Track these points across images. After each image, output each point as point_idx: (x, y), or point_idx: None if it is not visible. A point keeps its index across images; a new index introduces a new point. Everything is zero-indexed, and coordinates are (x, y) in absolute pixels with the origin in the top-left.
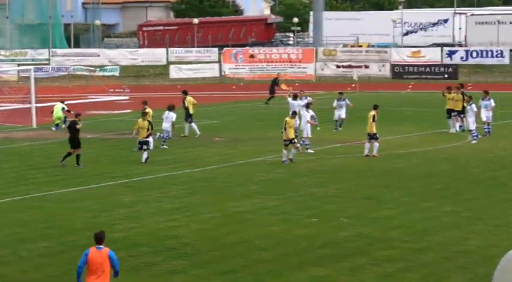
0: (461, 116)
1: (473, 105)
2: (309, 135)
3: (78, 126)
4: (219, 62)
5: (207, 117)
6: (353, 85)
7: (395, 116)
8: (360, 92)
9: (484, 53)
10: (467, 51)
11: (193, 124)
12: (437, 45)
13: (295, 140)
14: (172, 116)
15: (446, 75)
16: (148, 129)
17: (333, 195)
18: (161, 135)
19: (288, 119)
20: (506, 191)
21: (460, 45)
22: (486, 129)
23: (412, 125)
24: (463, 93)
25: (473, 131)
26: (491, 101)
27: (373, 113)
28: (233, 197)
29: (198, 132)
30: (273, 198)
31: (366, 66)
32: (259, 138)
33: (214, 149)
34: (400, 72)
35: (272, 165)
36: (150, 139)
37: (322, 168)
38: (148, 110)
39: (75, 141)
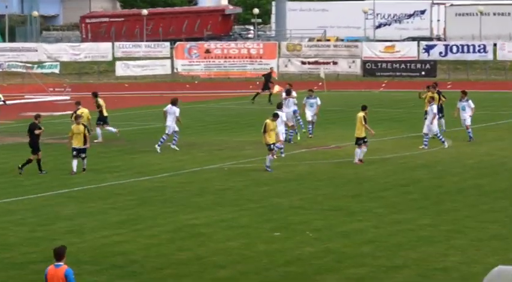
0: (440, 115)
1: (434, 107)
2: (282, 139)
3: (37, 132)
4: (171, 57)
5: (157, 119)
6: (320, 83)
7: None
8: (327, 91)
9: (465, 47)
10: (446, 46)
11: (109, 127)
12: (414, 39)
13: (276, 146)
14: (176, 110)
15: (423, 72)
16: (85, 135)
17: (297, 207)
18: (165, 136)
19: (268, 121)
20: (490, 202)
21: (439, 39)
22: (470, 134)
23: (386, 127)
24: (439, 93)
25: (439, 135)
26: (470, 102)
27: (362, 114)
28: (186, 209)
29: (114, 130)
30: (231, 210)
31: (334, 63)
32: (215, 143)
33: (166, 154)
34: (372, 69)
35: (230, 173)
36: (88, 145)
37: (286, 176)
38: (82, 110)
39: (35, 146)
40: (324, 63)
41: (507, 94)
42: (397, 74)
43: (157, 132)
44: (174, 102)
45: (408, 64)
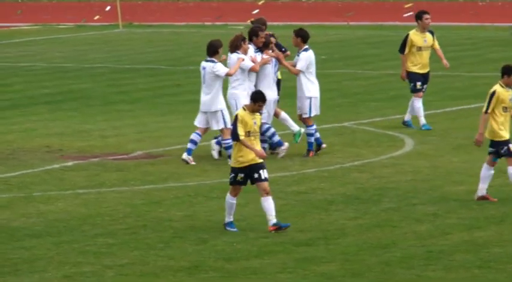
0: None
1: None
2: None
3: None
4: None
5: None
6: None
7: None
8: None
9: None
10: None
11: None
12: None
13: (264, 173)
14: (248, 64)
15: None
16: None
17: None
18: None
19: (240, 112)
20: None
21: None
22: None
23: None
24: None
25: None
26: (302, 55)
27: (499, 87)
28: None
29: None
30: None
31: None
32: None
33: None
34: None
35: None
36: None
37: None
38: None
39: None
40: None
41: None
42: None
43: None
44: (235, 45)
45: None
